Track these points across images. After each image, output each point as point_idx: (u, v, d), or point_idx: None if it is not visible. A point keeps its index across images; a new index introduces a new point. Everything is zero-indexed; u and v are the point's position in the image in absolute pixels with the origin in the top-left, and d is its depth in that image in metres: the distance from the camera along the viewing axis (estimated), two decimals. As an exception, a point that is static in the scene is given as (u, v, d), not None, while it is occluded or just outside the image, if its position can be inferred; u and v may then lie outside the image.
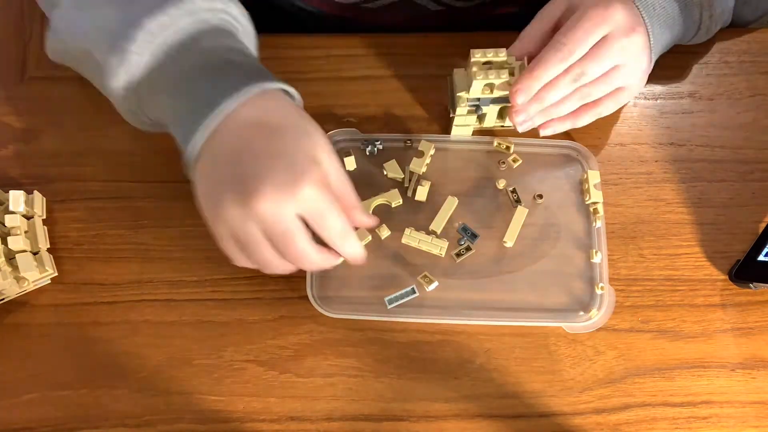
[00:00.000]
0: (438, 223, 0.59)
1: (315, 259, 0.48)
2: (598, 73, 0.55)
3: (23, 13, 0.68)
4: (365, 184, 0.61)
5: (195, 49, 0.50)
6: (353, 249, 0.50)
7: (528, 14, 0.59)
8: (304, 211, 0.46)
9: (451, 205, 0.59)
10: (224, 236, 0.48)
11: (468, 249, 0.58)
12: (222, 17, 0.52)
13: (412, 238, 0.58)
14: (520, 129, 0.58)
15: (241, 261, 0.50)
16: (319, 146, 0.47)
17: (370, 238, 0.58)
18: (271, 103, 0.49)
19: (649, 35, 0.56)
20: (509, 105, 0.58)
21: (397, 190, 0.60)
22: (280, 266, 0.49)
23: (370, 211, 0.59)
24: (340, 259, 0.50)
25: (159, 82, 0.51)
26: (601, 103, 0.58)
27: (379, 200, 0.59)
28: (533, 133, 0.63)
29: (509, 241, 0.58)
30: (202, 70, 0.49)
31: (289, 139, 0.47)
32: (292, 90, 0.51)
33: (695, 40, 0.64)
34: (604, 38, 0.54)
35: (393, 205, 0.60)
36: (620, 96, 0.58)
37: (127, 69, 0.50)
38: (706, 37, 0.63)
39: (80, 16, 0.52)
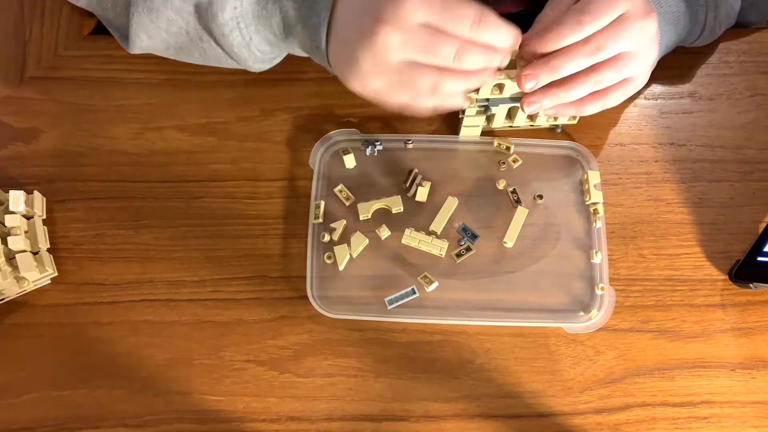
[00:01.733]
0: (438, 224, 0.59)
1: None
2: (614, 51, 0.53)
3: (23, 13, 0.68)
4: (365, 184, 0.61)
5: None
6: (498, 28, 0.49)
7: (529, 14, 0.59)
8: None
9: (451, 205, 0.59)
10: (376, 78, 0.50)
11: (468, 249, 0.58)
12: None
13: (412, 238, 0.58)
14: (529, 109, 0.56)
15: (404, 95, 0.51)
16: None
17: (367, 241, 0.58)
18: None
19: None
20: (518, 105, 0.58)
21: (399, 196, 0.60)
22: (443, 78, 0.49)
23: (370, 215, 0.59)
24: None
25: None
26: (608, 92, 0.56)
27: (379, 204, 0.59)
28: (534, 133, 0.63)
29: (509, 242, 0.58)
30: None
31: None
32: None
33: (699, 42, 0.63)
34: (621, 17, 0.53)
35: (393, 211, 0.60)
36: (628, 87, 0.56)
37: None
38: (710, 38, 0.63)
39: None
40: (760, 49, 0.66)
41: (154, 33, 0.57)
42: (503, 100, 0.57)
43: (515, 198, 0.60)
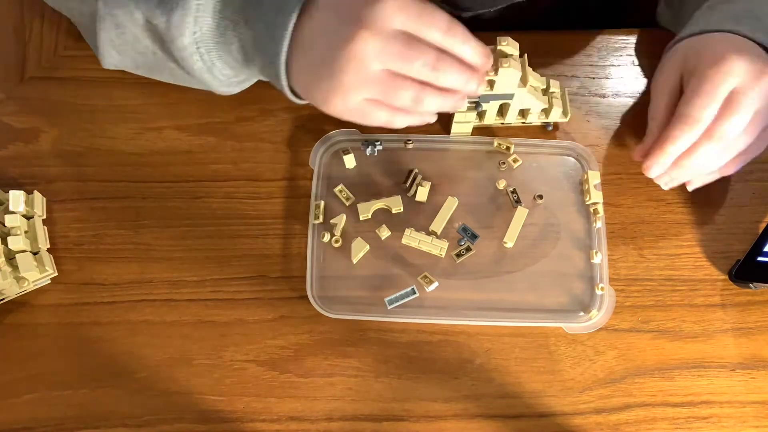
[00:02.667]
0: (438, 224, 0.59)
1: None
2: (738, 130, 0.52)
3: (23, 13, 0.68)
4: (365, 184, 0.61)
5: None
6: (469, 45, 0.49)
7: (529, 3, 0.58)
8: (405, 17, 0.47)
9: (451, 205, 0.59)
10: (357, 91, 0.49)
11: (468, 249, 0.58)
12: None
13: (412, 238, 0.58)
14: (665, 187, 0.58)
15: (382, 112, 0.51)
16: None
17: (368, 247, 0.58)
18: None
19: None
20: (509, 102, 0.58)
21: (399, 196, 0.60)
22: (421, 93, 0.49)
23: (370, 214, 0.59)
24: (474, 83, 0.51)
25: (225, 15, 0.51)
26: (750, 150, 0.54)
27: (380, 204, 0.59)
28: (534, 133, 0.63)
29: (509, 242, 0.58)
30: None
31: None
32: None
33: None
34: (733, 92, 0.51)
35: (393, 211, 0.60)
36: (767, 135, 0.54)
37: (191, 17, 0.50)
38: None
39: None
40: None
41: (123, 49, 0.56)
42: (494, 96, 0.57)
43: (515, 198, 0.60)
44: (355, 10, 0.47)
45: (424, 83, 0.49)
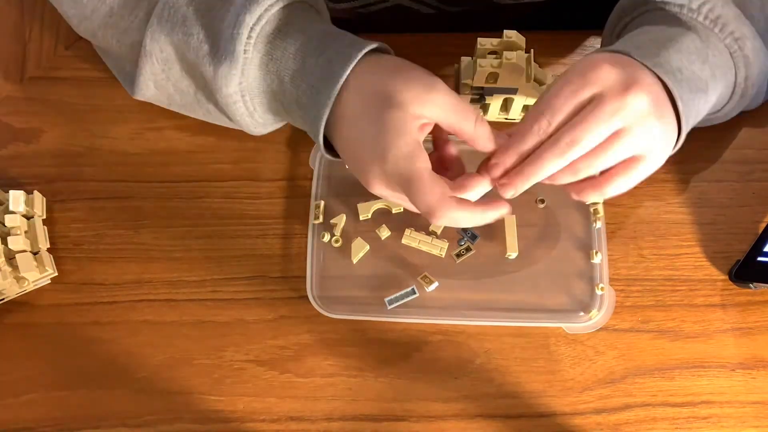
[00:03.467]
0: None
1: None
2: (593, 141, 0.46)
3: (23, 13, 0.68)
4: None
5: (293, 30, 0.51)
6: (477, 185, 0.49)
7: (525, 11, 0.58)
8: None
9: None
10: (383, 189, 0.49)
11: (468, 249, 0.58)
12: None
13: (412, 238, 0.58)
14: (503, 193, 0.50)
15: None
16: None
17: (368, 247, 0.58)
18: (378, 65, 0.49)
19: (677, 101, 0.48)
20: (513, 97, 0.58)
21: None
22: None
23: (370, 215, 0.59)
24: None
25: (271, 70, 0.51)
26: (609, 179, 0.49)
27: (379, 204, 0.59)
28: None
29: (512, 253, 0.58)
30: (307, 50, 0.50)
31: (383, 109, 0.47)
32: (384, 45, 0.52)
33: (728, 109, 0.57)
34: (595, 100, 0.46)
35: (394, 211, 0.60)
36: (634, 168, 0.48)
37: (238, 69, 0.51)
38: (741, 103, 0.57)
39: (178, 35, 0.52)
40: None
41: (163, 85, 0.56)
42: (498, 90, 0.57)
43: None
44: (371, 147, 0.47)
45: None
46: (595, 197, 0.50)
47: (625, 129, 0.46)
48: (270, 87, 0.52)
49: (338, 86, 0.48)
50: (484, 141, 0.48)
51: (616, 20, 0.59)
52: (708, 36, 0.52)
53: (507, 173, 0.48)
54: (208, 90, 0.54)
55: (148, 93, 0.57)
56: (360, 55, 0.48)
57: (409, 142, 0.46)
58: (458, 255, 0.58)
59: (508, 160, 0.48)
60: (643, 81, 0.47)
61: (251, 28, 0.50)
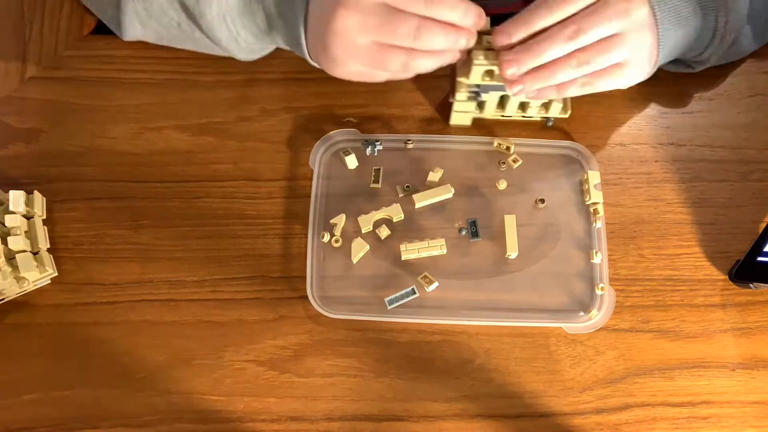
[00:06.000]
0: (421, 200, 0.59)
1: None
2: (597, 34, 0.51)
3: (23, 13, 0.68)
4: (365, 184, 0.61)
5: None
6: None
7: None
8: None
9: (444, 192, 0.59)
10: (349, 63, 0.53)
11: (475, 234, 0.59)
12: None
13: (410, 251, 0.57)
14: (511, 91, 0.54)
15: (384, 73, 0.53)
16: None
17: (368, 247, 0.58)
18: None
19: (658, 29, 0.54)
20: (509, 94, 0.58)
21: (398, 204, 0.59)
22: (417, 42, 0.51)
23: (371, 226, 0.59)
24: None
25: None
26: (596, 76, 0.54)
27: (380, 215, 0.59)
28: (534, 133, 0.63)
29: (512, 253, 0.58)
30: None
31: None
32: None
33: (707, 54, 0.59)
34: (597, 2, 0.51)
35: (395, 220, 0.59)
36: (619, 72, 0.54)
37: None
38: (720, 51, 0.59)
39: None
40: (760, 49, 0.66)
41: (147, 22, 0.59)
42: (494, 87, 0.57)
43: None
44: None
45: (412, 49, 0.51)
46: (576, 90, 0.54)
47: (623, 34, 0.52)
48: (248, 6, 0.56)
49: None
50: None
51: None
52: None
53: (512, 50, 0.52)
54: (192, 18, 0.57)
55: (136, 33, 0.60)
56: None
57: None
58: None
59: (515, 30, 0.52)
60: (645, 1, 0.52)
61: None
